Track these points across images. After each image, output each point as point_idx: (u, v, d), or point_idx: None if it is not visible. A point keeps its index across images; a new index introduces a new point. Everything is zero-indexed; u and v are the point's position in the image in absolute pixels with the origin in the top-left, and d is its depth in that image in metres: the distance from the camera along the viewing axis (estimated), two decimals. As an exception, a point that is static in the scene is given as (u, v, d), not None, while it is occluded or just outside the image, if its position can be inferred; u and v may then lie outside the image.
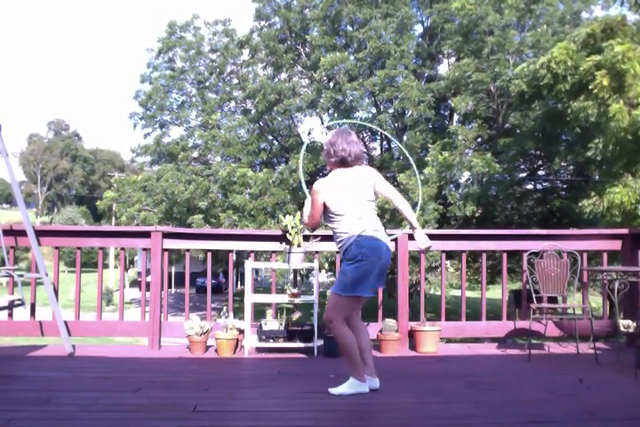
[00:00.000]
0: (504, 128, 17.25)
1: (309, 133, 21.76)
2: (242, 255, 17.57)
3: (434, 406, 2.96)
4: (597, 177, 13.49)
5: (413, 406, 2.95)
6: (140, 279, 34.11)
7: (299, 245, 4.40)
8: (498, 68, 14.86)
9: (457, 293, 14.53)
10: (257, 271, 33.99)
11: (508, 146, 15.40)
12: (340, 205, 3.22)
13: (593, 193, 11.05)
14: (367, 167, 3.43)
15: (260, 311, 4.82)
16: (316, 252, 4.84)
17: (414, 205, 13.22)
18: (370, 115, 17.68)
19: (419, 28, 20.33)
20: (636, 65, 9.90)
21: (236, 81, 21.28)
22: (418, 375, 3.69)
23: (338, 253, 4.85)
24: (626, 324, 4.39)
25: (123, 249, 5.01)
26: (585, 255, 4.79)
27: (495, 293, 7.41)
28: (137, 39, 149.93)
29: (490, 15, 14.77)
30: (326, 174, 3.38)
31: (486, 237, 4.98)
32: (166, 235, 4.68)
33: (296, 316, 4.65)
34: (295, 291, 4.48)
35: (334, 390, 3.10)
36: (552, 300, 4.58)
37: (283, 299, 4.55)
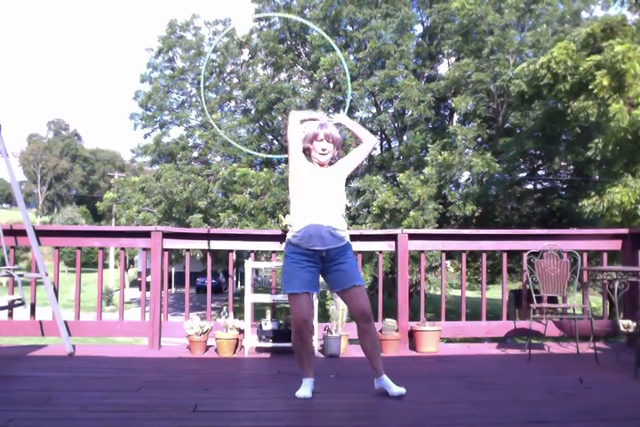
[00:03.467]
0: (504, 128, 17.25)
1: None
2: (242, 255, 17.55)
3: (434, 406, 2.96)
4: (597, 177, 13.51)
5: (413, 406, 2.95)
6: (140, 279, 34.11)
7: (298, 245, 4.40)
8: (498, 68, 14.86)
9: (457, 293, 14.53)
10: (257, 271, 34.00)
11: (508, 146, 15.41)
12: None
13: (593, 193, 11.06)
14: None
15: (259, 311, 4.82)
16: (316, 252, 4.82)
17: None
18: (370, 114, 17.68)
19: (419, 28, 20.37)
20: (636, 65, 9.90)
21: (236, 80, 21.29)
22: (418, 375, 3.69)
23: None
24: (626, 324, 4.39)
25: (123, 249, 5.02)
26: (585, 255, 4.78)
27: (495, 293, 7.42)
28: (137, 39, 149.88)
29: (490, 15, 14.77)
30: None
31: (486, 237, 4.97)
32: (166, 235, 4.68)
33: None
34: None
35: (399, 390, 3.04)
36: (552, 300, 4.58)
37: (283, 299, 4.54)
